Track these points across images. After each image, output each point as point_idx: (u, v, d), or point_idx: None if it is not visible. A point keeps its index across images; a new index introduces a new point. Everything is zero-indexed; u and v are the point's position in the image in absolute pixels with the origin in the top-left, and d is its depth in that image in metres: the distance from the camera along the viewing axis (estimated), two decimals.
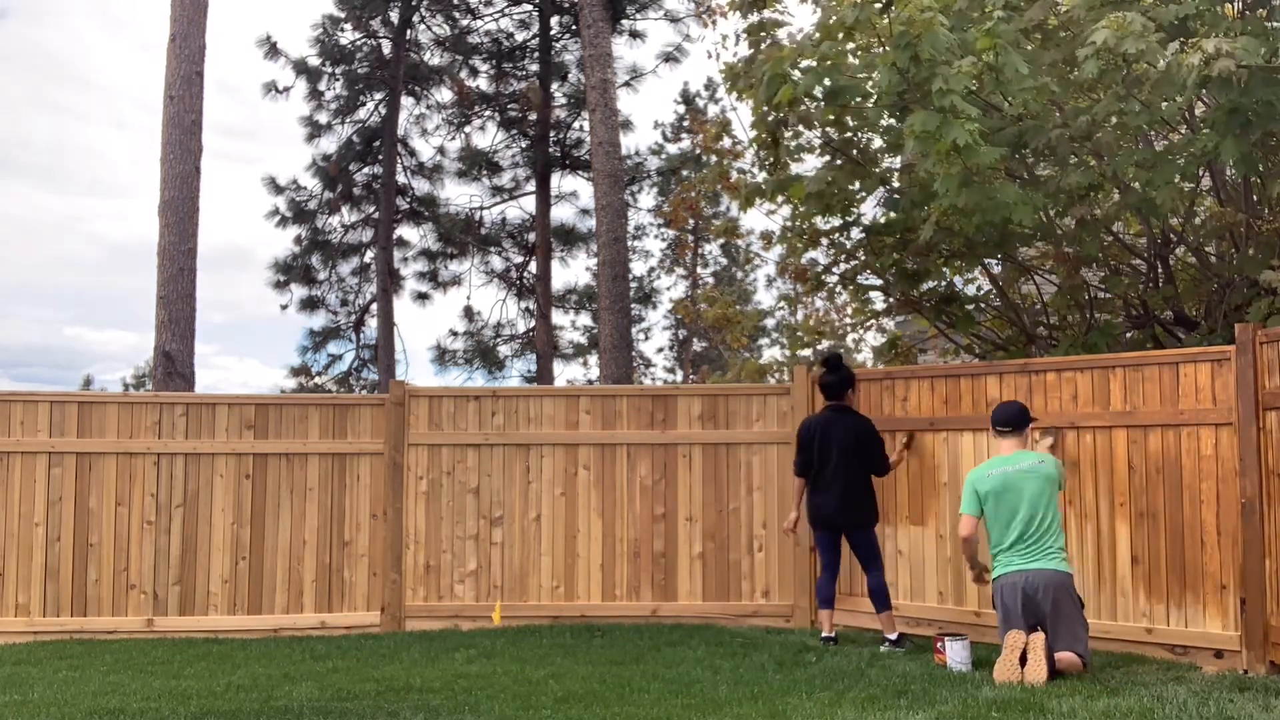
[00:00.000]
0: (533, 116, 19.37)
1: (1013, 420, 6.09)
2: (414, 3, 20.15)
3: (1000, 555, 5.86)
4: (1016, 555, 5.76)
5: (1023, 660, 5.49)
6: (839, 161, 8.69)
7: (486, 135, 24.61)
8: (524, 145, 19.87)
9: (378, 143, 20.33)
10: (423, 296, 21.06)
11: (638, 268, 32.16)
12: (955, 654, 5.95)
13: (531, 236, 20.01)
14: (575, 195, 20.51)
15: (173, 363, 10.89)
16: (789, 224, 9.44)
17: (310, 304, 21.01)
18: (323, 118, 20.49)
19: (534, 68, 19.85)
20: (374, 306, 20.58)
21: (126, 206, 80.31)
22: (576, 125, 19.45)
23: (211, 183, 58.39)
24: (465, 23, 20.23)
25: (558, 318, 20.55)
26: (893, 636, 6.71)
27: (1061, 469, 6.03)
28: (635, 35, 18.60)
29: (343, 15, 20.06)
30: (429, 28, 20.72)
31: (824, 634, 6.97)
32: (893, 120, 8.37)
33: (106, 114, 76.50)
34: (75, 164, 74.46)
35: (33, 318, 75.76)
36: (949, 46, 6.84)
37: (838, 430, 7.03)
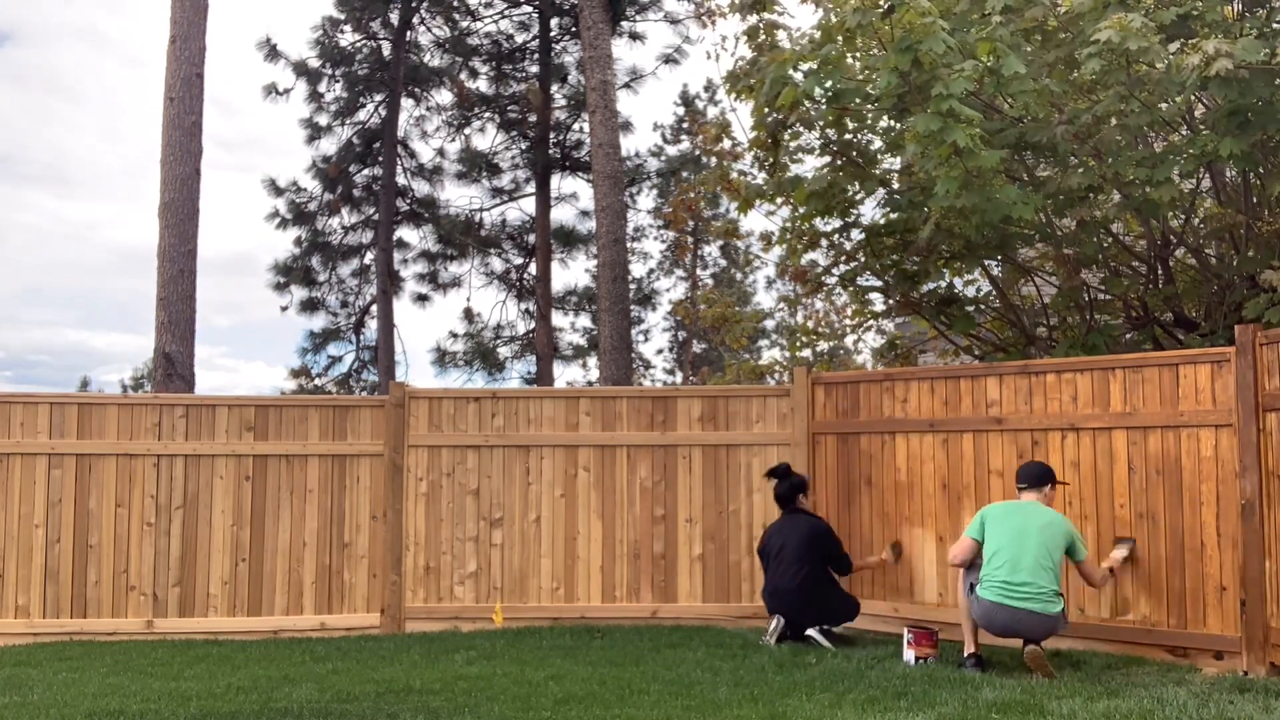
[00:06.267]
0: (533, 118, 19.38)
1: (1032, 478, 6.14)
2: (414, 4, 20.15)
3: (990, 573, 5.81)
4: (1008, 584, 5.70)
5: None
6: (839, 163, 8.70)
7: (486, 137, 24.64)
8: (524, 147, 19.88)
9: (378, 144, 20.35)
10: (423, 298, 21.09)
11: (637, 269, 32.19)
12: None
13: (531, 238, 20.02)
14: (575, 197, 20.58)
15: (173, 364, 10.89)
16: (789, 225, 9.45)
17: (310, 305, 21.03)
18: (323, 119, 20.53)
19: (534, 69, 19.86)
20: (374, 308, 20.59)
21: (132, 213, 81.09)
22: (576, 127, 19.47)
23: (221, 190, 58.92)
24: (465, 24, 20.24)
25: (557, 319, 20.57)
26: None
27: (1076, 532, 5.96)
28: (635, 37, 18.62)
29: (342, 17, 20.08)
30: (429, 29, 20.75)
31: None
32: (893, 122, 8.38)
33: (110, 124, 77.26)
34: (82, 173, 75.39)
35: (38, 321, 76.32)
36: (949, 49, 6.86)
37: (793, 533, 7.15)
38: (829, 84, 7.81)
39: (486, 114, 20.10)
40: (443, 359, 20.68)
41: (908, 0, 6.87)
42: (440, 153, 20.80)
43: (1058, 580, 5.77)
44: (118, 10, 77.54)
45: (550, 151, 19.18)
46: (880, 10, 7.41)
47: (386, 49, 20.38)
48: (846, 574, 7.25)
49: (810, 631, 6.91)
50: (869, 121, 8.66)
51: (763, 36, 8.81)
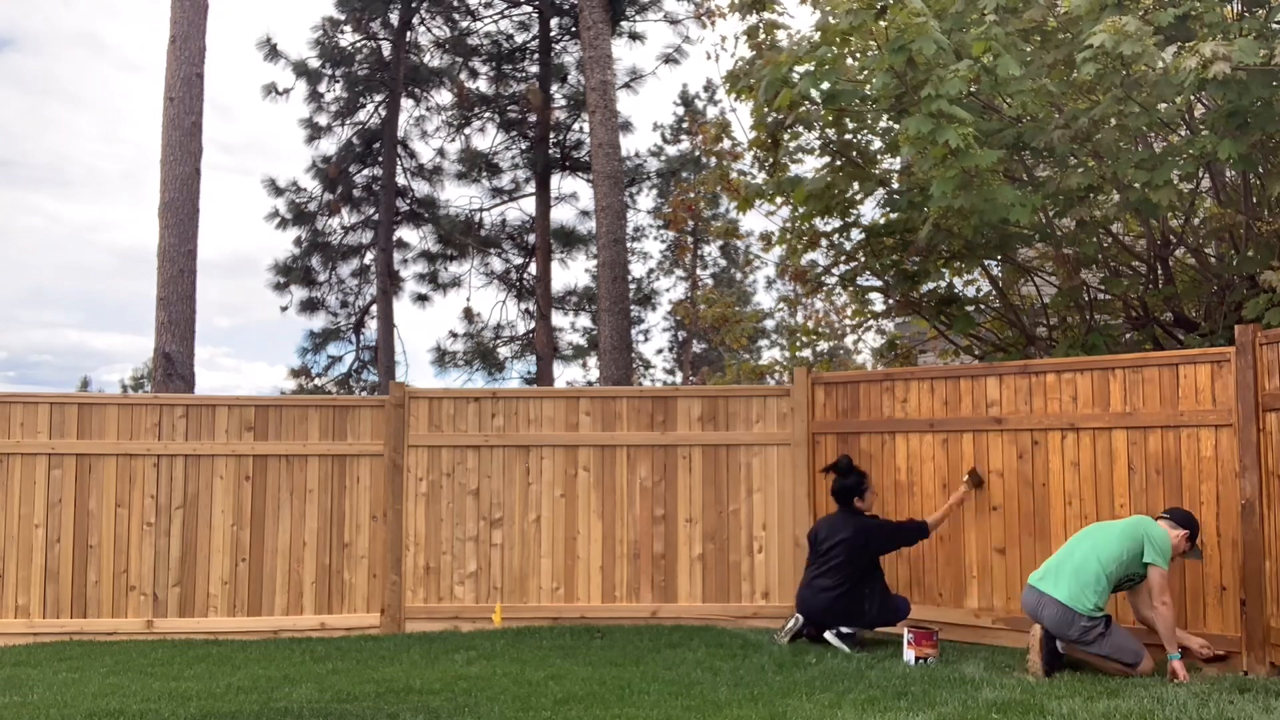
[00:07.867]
0: (532, 118, 19.38)
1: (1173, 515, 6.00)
2: (414, 4, 20.15)
3: (1041, 567, 6.06)
4: (1047, 568, 5.92)
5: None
6: (838, 163, 8.71)
7: (486, 137, 24.65)
8: (524, 147, 19.87)
9: (378, 144, 20.35)
10: (423, 298, 21.08)
11: (637, 269, 32.20)
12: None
13: (531, 238, 20.02)
14: (575, 197, 20.56)
15: (172, 364, 10.89)
16: (788, 225, 9.46)
17: (310, 305, 21.03)
18: (323, 120, 20.52)
19: (534, 69, 19.86)
20: (374, 308, 20.58)
21: (133, 214, 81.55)
22: (576, 127, 19.46)
23: (221, 191, 59.00)
24: (465, 24, 20.24)
25: (557, 319, 20.56)
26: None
27: (1164, 548, 5.70)
28: (635, 37, 18.61)
29: (342, 17, 20.08)
30: (429, 29, 20.74)
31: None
32: (891, 122, 8.38)
33: (109, 128, 77.68)
34: (83, 176, 75.80)
35: (40, 321, 76.58)
36: (943, 49, 6.86)
37: (831, 535, 6.98)
38: (825, 85, 7.81)
39: (486, 114, 20.09)
40: (443, 359, 20.69)
41: None
42: (440, 153, 20.82)
43: (1101, 582, 5.65)
44: (116, 15, 78.05)
45: (550, 151, 19.18)
46: (874, 11, 7.41)
47: (386, 49, 20.38)
48: (917, 540, 6.97)
49: (828, 635, 6.78)
50: (868, 122, 8.66)
51: (762, 36, 8.82)
